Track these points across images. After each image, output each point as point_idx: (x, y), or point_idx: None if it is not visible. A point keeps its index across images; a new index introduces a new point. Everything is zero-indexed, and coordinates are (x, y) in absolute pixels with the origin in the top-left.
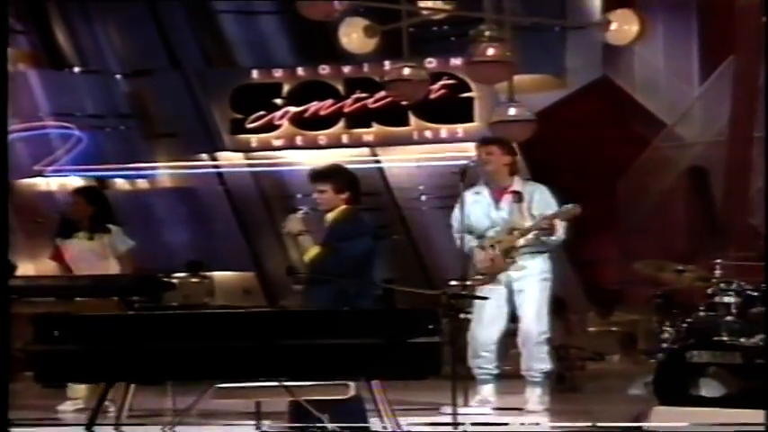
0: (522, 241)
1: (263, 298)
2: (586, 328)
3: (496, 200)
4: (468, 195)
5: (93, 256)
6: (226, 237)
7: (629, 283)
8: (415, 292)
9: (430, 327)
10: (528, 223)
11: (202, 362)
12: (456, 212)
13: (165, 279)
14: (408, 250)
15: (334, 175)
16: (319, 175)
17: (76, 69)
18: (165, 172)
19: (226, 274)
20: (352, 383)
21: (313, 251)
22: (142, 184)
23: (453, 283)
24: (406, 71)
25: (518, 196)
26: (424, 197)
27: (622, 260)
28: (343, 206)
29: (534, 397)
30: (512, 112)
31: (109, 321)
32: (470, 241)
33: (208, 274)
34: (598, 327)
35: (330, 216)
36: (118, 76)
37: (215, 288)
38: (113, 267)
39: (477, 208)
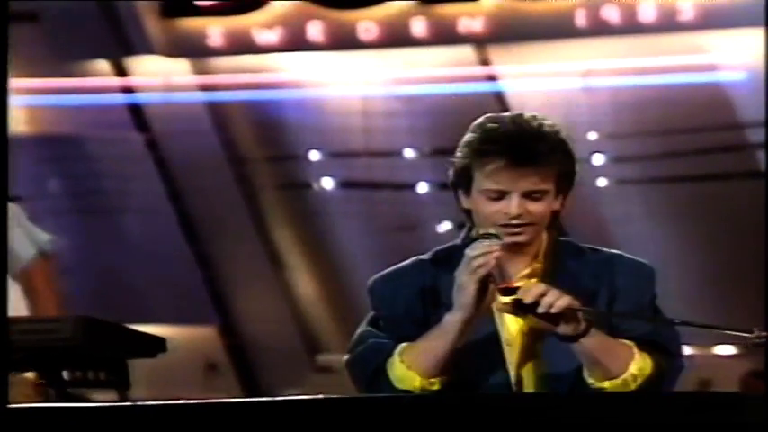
0: None
1: (237, 377)
2: None
3: None
4: None
5: None
6: (152, 251)
7: None
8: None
9: None
10: None
11: None
12: None
13: (146, 332)
14: None
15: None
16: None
17: None
18: (14, 101)
19: (153, 330)
20: None
21: None
22: None
23: None
24: None
25: None
26: (601, 156)
27: None
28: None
29: None
30: None
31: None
32: None
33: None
34: None
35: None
36: None
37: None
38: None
39: None
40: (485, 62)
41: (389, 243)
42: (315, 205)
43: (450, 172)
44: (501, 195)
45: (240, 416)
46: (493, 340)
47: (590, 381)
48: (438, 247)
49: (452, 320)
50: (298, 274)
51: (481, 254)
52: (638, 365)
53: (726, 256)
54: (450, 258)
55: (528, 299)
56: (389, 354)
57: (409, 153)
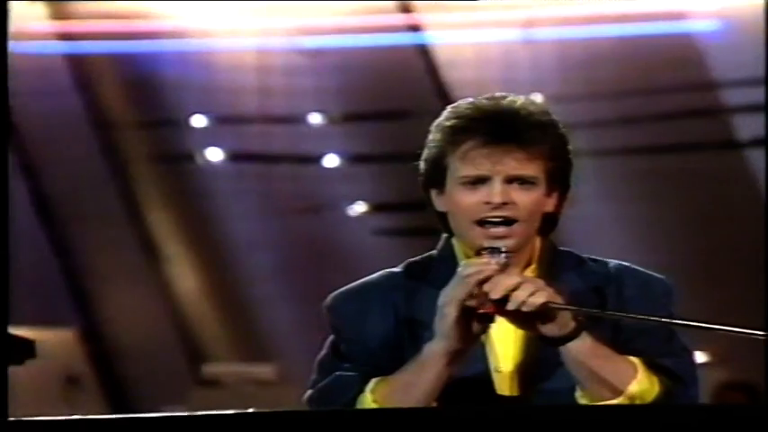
0: None
1: (104, 391)
2: None
3: None
4: None
5: None
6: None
7: None
8: None
9: None
10: None
11: None
12: None
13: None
14: None
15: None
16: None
17: None
18: None
19: None
20: None
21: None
22: None
23: None
24: None
25: None
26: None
27: None
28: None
29: None
30: None
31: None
32: None
33: None
34: None
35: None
36: None
37: None
38: None
39: None
40: (406, 9)
41: (290, 228)
42: (199, 182)
43: (421, 167)
44: (480, 181)
45: None
46: (480, 368)
47: (582, 402)
48: (411, 259)
49: (433, 352)
50: (177, 266)
51: (474, 272)
52: (641, 386)
53: (696, 242)
54: (426, 270)
55: (495, 294)
56: (360, 389)
57: (315, 119)
